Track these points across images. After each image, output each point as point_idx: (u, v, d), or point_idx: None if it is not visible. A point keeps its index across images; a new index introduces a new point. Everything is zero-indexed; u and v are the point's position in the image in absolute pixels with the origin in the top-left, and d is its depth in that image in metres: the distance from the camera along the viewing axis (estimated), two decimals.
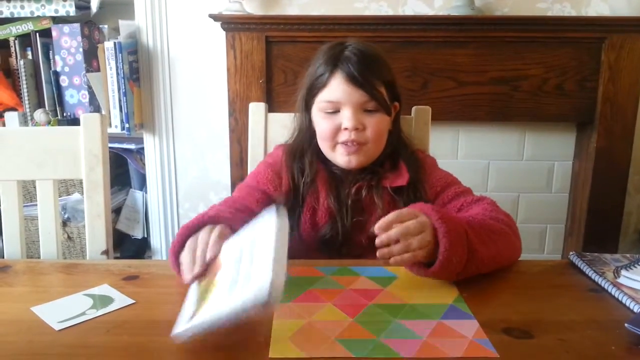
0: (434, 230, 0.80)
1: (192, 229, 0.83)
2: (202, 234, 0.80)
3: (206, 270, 0.73)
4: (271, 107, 1.75)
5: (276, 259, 0.60)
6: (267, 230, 0.66)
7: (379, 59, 1.05)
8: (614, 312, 0.73)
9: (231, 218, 0.87)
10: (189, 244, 0.80)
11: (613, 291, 0.77)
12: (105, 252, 1.11)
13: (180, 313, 0.63)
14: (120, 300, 0.77)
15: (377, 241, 0.78)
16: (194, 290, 0.67)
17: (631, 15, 1.82)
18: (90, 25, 2.00)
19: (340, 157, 1.05)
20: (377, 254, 0.78)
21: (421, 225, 0.79)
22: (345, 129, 1.01)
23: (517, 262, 0.93)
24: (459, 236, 0.80)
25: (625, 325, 0.66)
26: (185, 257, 0.79)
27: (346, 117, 1.01)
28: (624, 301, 0.75)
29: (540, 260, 1.01)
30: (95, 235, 1.11)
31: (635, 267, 0.81)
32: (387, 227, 0.78)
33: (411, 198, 1.05)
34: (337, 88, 1.02)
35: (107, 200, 1.12)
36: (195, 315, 0.62)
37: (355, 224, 1.05)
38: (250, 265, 0.63)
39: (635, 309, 0.72)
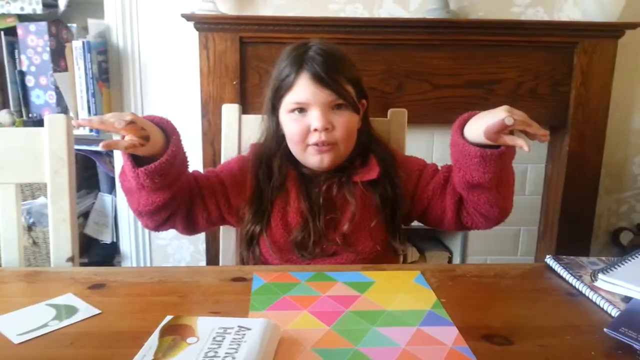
0: None
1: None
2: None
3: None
4: (245, 109, 1.72)
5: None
6: (259, 326, 0.64)
7: (344, 58, 1.05)
8: (593, 317, 0.73)
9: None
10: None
11: (591, 295, 0.77)
12: (71, 259, 1.07)
13: (138, 355, 0.59)
14: (85, 310, 0.73)
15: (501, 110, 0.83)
16: (154, 339, 0.63)
17: (603, 21, 1.84)
18: (58, 24, 1.94)
19: (311, 158, 1.03)
20: (505, 118, 0.80)
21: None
22: (315, 130, 1.00)
23: (494, 266, 0.93)
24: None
25: (605, 330, 0.65)
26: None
27: (315, 118, 1.00)
28: (602, 305, 0.74)
29: (517, 263, 1.01)
30: (60, 242, 1.06)
31: (612, 270, 0.81)
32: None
33: (387, 190, 1.06)
34: (303, 89, 1.00)
35: (73, 204, 1.07)
36: None
37: (329, 221, 1.04)
38: (235, 351, 0.60)
39: (614, 313, 0.71)
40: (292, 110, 1.02)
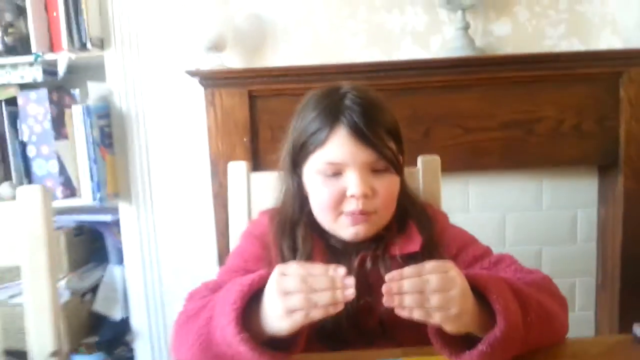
0: (472, 297, 0.66)
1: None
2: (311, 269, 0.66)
3: None
4: (259, 166, 1.61)
5: None
6: None
7: (384, 107, 0.89)
8: None
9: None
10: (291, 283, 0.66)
11: None
12: (55, 354, 0.91)
13: None
14: None
15: (384, 287, 0.64)
16: None
17: None
18: (59, 90, 1.87)
19: (344, 230, 0.87)
20: (384, 299, 0.63)
21: (448, 281, 0.64)
22: (352, 196, 0.84)
23: (570, 343, 0.75)
24: (509, 298, 0.67)
25: None
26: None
27: (353, 183, 0.83)
28: None
29: (596, 338, 0.82)
30: (40, 335, 0.91)
31: None
32: (400, 278, 0.64)
33: None
34: (340, 146, 0.84)
35: (54, 289, 0.93)
36: None
37: (362, 306, 0.84)
38: None
39: None
40: (324, 172, 0.86)
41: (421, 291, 0.63)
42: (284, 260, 0.87)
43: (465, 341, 0.68)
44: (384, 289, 0.63)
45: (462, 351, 0.67)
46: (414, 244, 0.88)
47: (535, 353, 0.70)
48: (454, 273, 0.65)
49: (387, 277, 0.64)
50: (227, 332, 0.67)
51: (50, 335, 0.91)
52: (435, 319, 0.64)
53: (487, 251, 0.92)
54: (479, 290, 0.67)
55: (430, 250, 0.88)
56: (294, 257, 0.87)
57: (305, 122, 0.88)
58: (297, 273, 0.66)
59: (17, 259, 0.91)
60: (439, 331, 0.67)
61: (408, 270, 0.64)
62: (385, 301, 0.63)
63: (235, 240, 1.07)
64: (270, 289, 0.67)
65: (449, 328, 0.65)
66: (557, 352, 0.73)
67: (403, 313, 0.63)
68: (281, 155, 0.96)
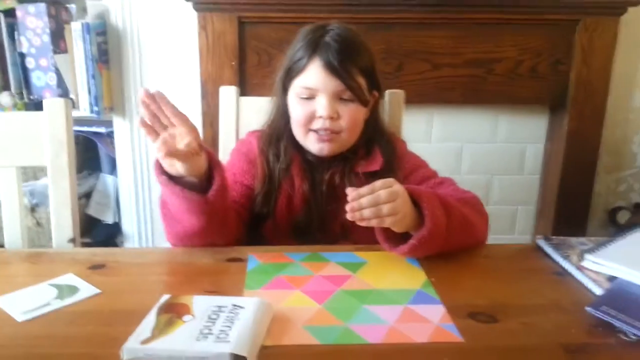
0: (411, 203, 0.83)
1: None
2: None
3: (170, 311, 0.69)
4: (244, 90, 1.73)
5: (254, 338, 0.61)
6: (252, 305, 0.66)
7: (361, 47, 1.03)
8: (577, 295, 0.75)
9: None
10: None
11: (577, 274, 0.79)
12: (72, 241, 1.09)
13: (135, 332, 0.62)
14: (86, 289, 0.76)
15: (348, 206, 0.79)
16: (152, 317, 0.65)
17: None
18: (57, 5, 1.93)
19: (312, 144, 1.03)
20: (348, 215, 0.79)
21: (393, 193, 0.81)
22: (320, 117, 1.00)
23: (486, 246, 0.95)
24: (436, 206, 0.85)
25: (586, 308, 0.67)
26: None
27: (321, 105, 0.99)
28: (587, 284, 0.76)
29: (507, 244, 1.03)
30: (61, 223, 1.09)
31: (599, 250, 0.83)
32: (358, 197, 0.80)
33: None
34: (314, 75, 0.99)
35: (73, 186, 1.09)
36: (151, 342, 0.60)
37: (329, 211, 1.04)
38: (228, 328, 0.62)
39: (597, 292, 0.73)
40: (300, 94, 1.01)
41: (376, 204, 0.80)
42: (268, 165, 1.05)
43: (401, 239, 0.87)
44: (347, 207, 0.79)
45: (398, 245, 0.87)
46: (376, 164, 1.05)
47: (458, 252, 0.88)
48: (397, 187, 0.83)
49: (349, 197, 0.80)
50: (159, 184, 0.87)
51: (70, 225, 1.08)
52: (387, 223, 0.82)
53: (434, 174, 1.10)
54: (415, 200, 0.86)
55: (388, 170, 1.05)
56: (277, 164, 1.05)
57: (292, 51, 1.04)
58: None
59: (43, 160, 1.07)
60: (383, 231, 0.86)
61: (363, 189, 0.80)
62: (350, 217, 0.80)
63: (225, 156, 1.21)
64: None
65: (396, 229, 0.84)
66: (474, 252, 0.90)
67: (363, 224, 0.81)
68: (276, 79, 1.09)
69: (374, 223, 0.81)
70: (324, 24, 1.04)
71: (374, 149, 1.08)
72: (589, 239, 0.92)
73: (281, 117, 1.08)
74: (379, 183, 0.82)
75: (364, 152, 1.08)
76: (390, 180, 0.84)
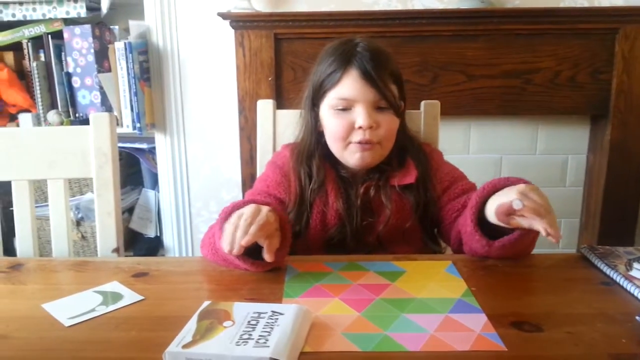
0: None
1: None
2: (249, 209, 0.80)
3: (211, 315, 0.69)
4: (281, 105, 1.76)
5: (293, 343, 0.62)
6: (291, 312, 0.67)
7: (390, 57, 1.04)
8: (626, 305, 0.72)
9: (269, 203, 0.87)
10: (235, 215, 0.80)
11: (625, 284, 0.76)
12: (116, 250, 1.12)
13: (177, 337, 0.63)
14: (130, 296, 0.78)
15: (552, 237, 0.77)
16: (193, 322, 0.66)
17: None
18: (101, 26, 2.01)
19: (351, 156, 1.02)
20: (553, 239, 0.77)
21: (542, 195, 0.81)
22: (360, 127, 0.99)
23: (529, 257, 0.93)
24: None
25: (637, 318, 0.65)
26: (229, 226, 0.79)
27: (360, 115, 0.99)
28: (635, 294, 0.73)
29: (552, 254, 1.00)
30: (106, 233, 1.11)
31: None
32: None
33: (420, 195, 1.05)
34: (350, 85, 0.99)
35: (117, 198, 1.13)
36: (192, 347, 0.61)
37: (365, 225, 1.04)
38: (268, 333, 0.62)
39: None
40: (336, 106, 1.01)
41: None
42: (301, 184, 1.05)
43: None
44: (551, 238, 0.77)
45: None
46: (410, 177, 1.05)
47: (499, 262, 0.87)
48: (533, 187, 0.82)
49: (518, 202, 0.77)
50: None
51: (114, 235, 1.11)
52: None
53: (472, 186, 1.08)
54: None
55: (424, 183, 1.05)
56: (309, 183, 1.05)
57: (323, 66, 1.04)
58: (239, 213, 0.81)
59: (89, 173, 1.11)
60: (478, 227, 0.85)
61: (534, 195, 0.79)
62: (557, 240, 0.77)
63: (261, 168, 1.23)
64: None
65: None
66: (516, 263, 0.88)
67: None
68: (303, 96, 1.11)
69: (536, 215, 0.79)
70: (350, 38, 1.05)
71: (407, 160, 1.08)
72: (636, 248, 0.89)
73: (310, 135, 1.08)
74: (532, 193, 0.80)
75: (397, 164, 1.07)
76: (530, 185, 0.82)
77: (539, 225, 0.77)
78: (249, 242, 0.76)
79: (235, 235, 0.77)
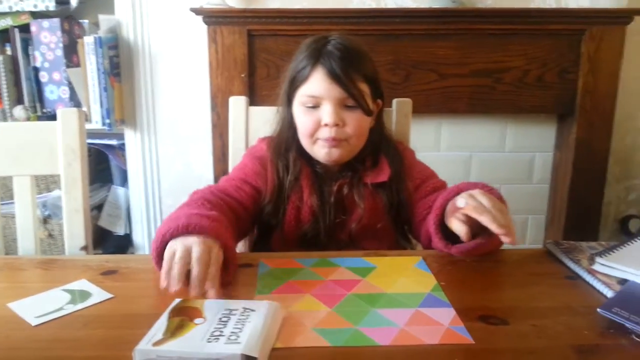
0: None
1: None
2: (200, 254, 0.71)
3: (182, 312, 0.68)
4: (254, 101, 1.75)
5: (265, 339, 0.61)
6: (262, 308, 0.67)
7: (362, 55, 1.04)
8: (588, 298, 0.74)
9: (217, 229, 0.79)
10: (180, 254, 0.72)
11: (587, 278, 0.79)
12: (85, 248, 1.10)
13: (147, 335, 0.62)
14: (98, 294, 0.76)
15: (505, 238, 0.77)
16: (164, 320, 0.66)
17: (611, 7, 1.83)
18: (70, 20, 1.97)
19: (319, 151, 1.03)
20: (506, 240, 0.77)
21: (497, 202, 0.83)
22: (325, 124, 1.00)
23: (496, 252, 0.94)
24: None
25: (598, 310, 0.67)
26: (175, 266, 0.71)
27: (326, 113, 1.00)
28: (597, 287, 0.76)
29: (519, 249, 1.02)
30: (73, 231, 1.10)
31: (609, 254, 0.82)
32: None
33: (393, 193, 1.06)
34: (317, 83, 1.00)
35: (86, 195, 1.11)
36: (163, 344, 0.61)
37: (337, 222, 1.05)
38: (239, 330, 0.62)
39: (609, 295, 0.73)
40: (305, 103, 1.02)
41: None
42: (278, 176, 1.05)
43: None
44: (505, 239, 0.76)
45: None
46: (384, 175, 1.05)
47: (467, 258, 0.88)
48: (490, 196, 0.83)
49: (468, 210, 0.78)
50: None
51: (82, 233, 1.09)
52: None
53: (443, 184, 1.10)
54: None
55: (397, 181, 1.06)
56: (287, 175, 1.05)
57: (296, 62, 1.05)
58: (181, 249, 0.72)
59: (56, 169, 1.08)
60: (439, 230, 0.87)
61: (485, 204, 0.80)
62: (511, 242, 0.77)
63: (234, 165, 1.20)
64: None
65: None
66: (483, 258, 0.89)
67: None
68: (279, 91, 1.10)
69: (477, 215, 0.79)
70: (326, 35, 1.05)
71: (381, 159, 1.08)
72: (599, 244, 0.92)
73: (287, 129, 1.09)
74: (481, 196, 0.81)
75: (371, 163, 1.08)
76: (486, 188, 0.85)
77: (484, 219, 0.77)
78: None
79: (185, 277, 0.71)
